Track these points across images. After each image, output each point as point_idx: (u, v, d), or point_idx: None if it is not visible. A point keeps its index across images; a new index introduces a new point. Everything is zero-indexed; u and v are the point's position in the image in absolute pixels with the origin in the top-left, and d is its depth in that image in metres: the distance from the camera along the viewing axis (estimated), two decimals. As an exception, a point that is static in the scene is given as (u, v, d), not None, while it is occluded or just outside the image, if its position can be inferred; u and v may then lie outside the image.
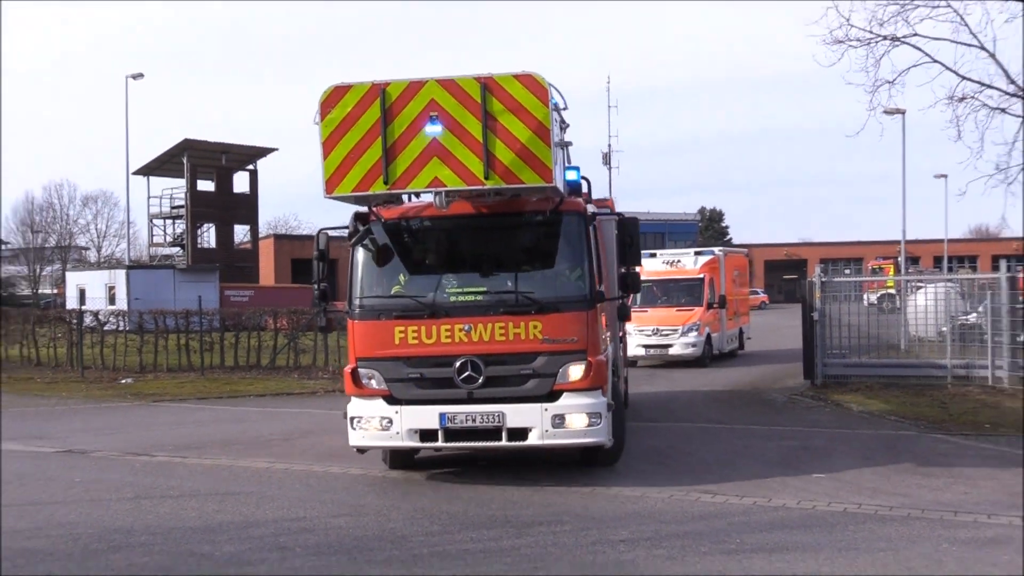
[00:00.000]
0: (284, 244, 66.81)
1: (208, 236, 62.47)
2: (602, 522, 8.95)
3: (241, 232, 64.03)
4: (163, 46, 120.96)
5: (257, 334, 26.45)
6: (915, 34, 19.02)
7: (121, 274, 48.92)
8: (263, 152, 61.69)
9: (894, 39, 19.08)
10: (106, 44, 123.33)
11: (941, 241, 70.72)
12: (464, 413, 10.21)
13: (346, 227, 11.16)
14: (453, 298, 10.63)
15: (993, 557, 7.73)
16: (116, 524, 9.35)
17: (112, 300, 45.27)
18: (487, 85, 9.80)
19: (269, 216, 73.67)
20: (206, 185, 60.98)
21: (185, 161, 58.05)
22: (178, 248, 61.72)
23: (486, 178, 9.77)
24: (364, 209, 11.05)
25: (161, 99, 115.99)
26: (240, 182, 62.63)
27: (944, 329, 19.92)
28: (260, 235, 65.48)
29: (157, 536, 8.84)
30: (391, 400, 10.43)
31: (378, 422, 10.41)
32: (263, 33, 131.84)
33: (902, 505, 9.55)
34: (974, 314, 20.06)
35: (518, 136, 9.74)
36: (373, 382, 10.52)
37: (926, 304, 21.22)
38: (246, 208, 62.91)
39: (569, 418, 10.22)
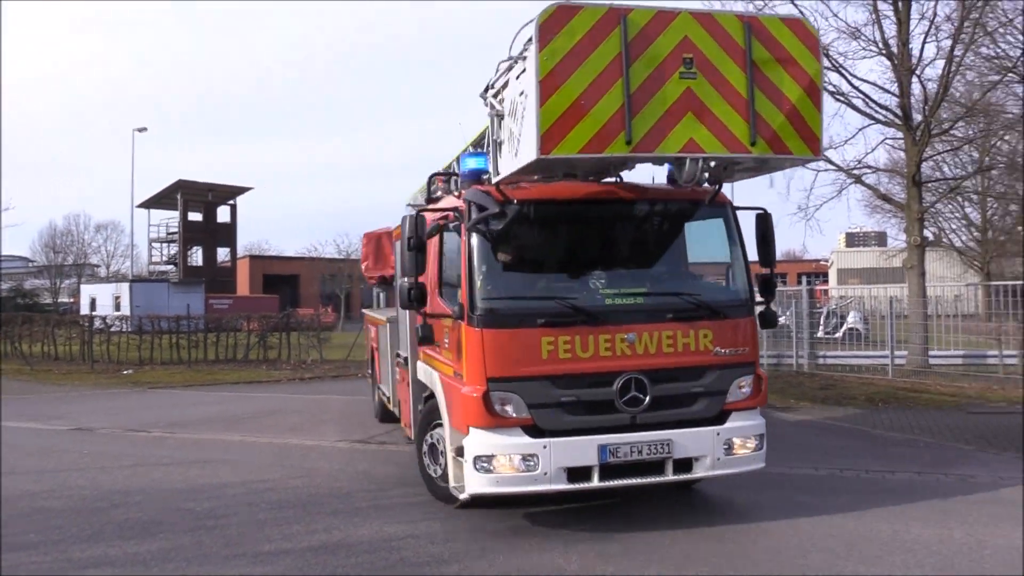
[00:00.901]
0: (257, 263, 65.18)
1: (196, 256, 60.78)
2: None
3: (223, 253, 62.48)
4: (162, 106, 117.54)
5: (234, 334, 25.81)
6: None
7: (125, 286, 47.46)
8: (241, 190, 60.40)
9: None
10: (117, 101, 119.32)
11: (761, 262, 72.39)
12: (628, 444, 6.62)
13: (447, 210, 7.42)
14: (609, 300, 6.88)
15: (794, 497, 7.92)
16: (116, 487, 8.98)
17: (117, 307, 43.79)
18: (752, 26, 6.41)
19: (245, 241, 71.70)
20: (195, 216, 59.48)
21: (179, 197, 56.69)
22: (172, 266, 60.10)
23: (752, 144, 6.37)
24: (477, 187, 7.13)
25: (160, 146, 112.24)
26: (223, 214, 61.27)
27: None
28: (238, 256, 63.97)
29: (149, 496, 8.53)
30: (535, 431, 6.58)
31: (517, 460, 6.50)
32: (240, 97, 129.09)
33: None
34: (783, 317, 20.69)
35: (788, 94, 6.46)
36: (510, 408, 6.54)
37: (749, 310, 21.76)
38: (227, 234, 61.52)
39: (738, 443, 7.00)
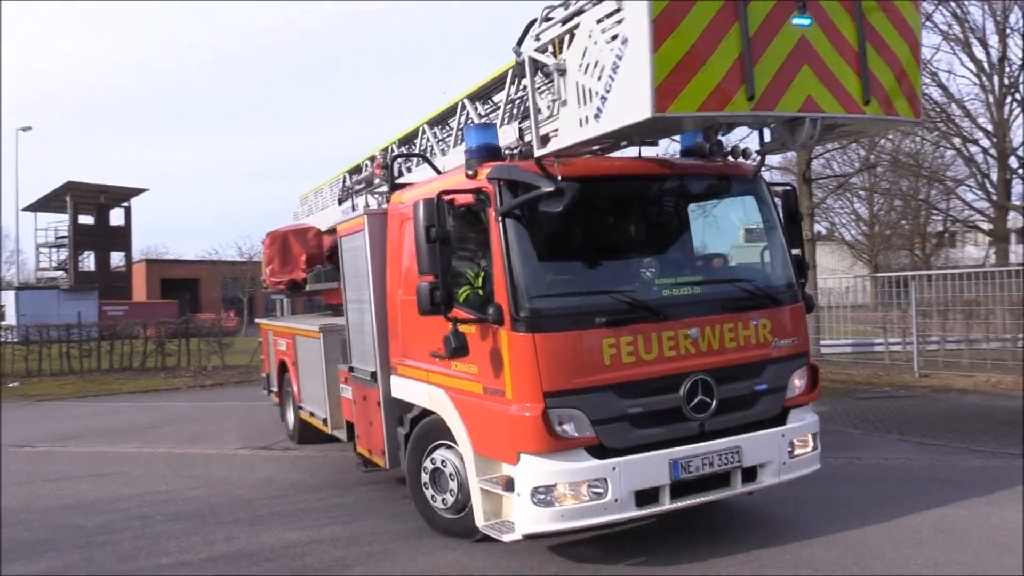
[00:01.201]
0: (154, 267, 63.01)
1: (88, 262, 58.24)
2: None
3: (117, 258, 60.11)
4: (51, 104, 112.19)
5: (130, 342, 24.88)
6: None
7: (11, 295, 45.21)
8: (136, 192, 58.13)
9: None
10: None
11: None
12: (700, 455, 5.86)
13: (466, 191, 6.02)
14: (666, 292, 6.14)
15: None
16: (-1, 506, 8.56)
17: (2, 316, 41.62)
18: None
19: (141, 244, 69.08)
20: (87, 219, 57.03)
21: (68, 200, 54.16)
22: (62, 272, 57.42)
23: (865, 103, 5.47)
24: (499, 162, 6.14)
25: (47, 147, 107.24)
26: (116, 217, 58.95)
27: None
28: (134, 260, 61.70)
29: (36, 514, 8.18)
30: (600, 451, 5.68)
31: (584, 488, 5.58)
32: (133, 95, 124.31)
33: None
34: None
35: (895, 49, 5.61)
36: (570, 427, 5.59)
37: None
38: (121, 238, 59.20)
39: (798, 443, 6.38)
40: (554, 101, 5.82)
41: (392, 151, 9.41)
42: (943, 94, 21.14)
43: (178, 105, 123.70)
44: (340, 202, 11.04)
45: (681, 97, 4.90)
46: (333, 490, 8.64)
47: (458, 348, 5.95)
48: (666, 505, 5.79)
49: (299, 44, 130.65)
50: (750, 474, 6.15)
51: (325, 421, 9.66)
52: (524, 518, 5.66)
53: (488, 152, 6.28)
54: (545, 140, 5.96)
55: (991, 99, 21.27)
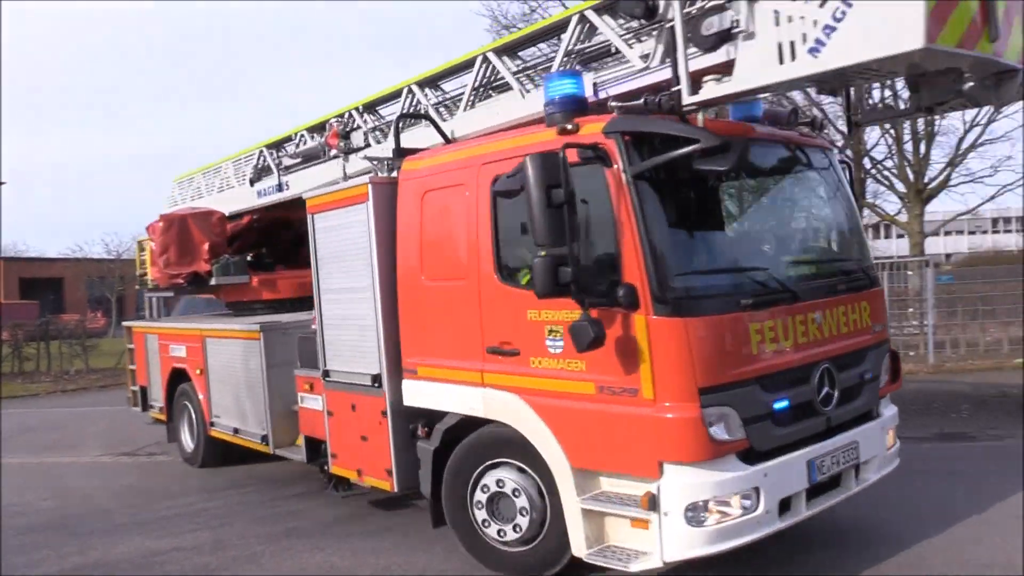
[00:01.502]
0: (12, 265, 59.32)
1: (-64, 260, 54.49)
2: (278, 483, 8.64)
3: (-30, 256, 56.38)
4: None
5: (-18, 346, 23.43)
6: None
7: None
8: (-11, 186, 54.63)
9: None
10: None
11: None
12: (829, 453, 5.22)
13: (584, 146, 4.90)
14: (792, 271, 5.60)
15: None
16: None
17: None
18: None
19: (-3, 242, 64.96)
20: (-67, 215, 53.26)
21: (-89, 194, 50.44)
22: (-95, 272, 53.43)
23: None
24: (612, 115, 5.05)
25: None
26: (-32, 212, 55.22)
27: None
28: (-12, 258, 57.90)
29: None
30: (748, 456, 4.84)
31: (734, 502, 4.71)
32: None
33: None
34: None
35: None
36: (721, 429, 4.69)
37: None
38: (-26, 235, 55.57)
39: (888, 437, 5.89)
40: (682, 38, 4.88)
41: (351, 117, 8.08)
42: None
43: (35, 94, 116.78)
44: (252, 182, 9.74)
45: (947, 29, 4.08)
46: (200, 495, 8.41)
47: (597, 338, 4.76)
48: (802, 513, 5.08)
49: (163, 33, 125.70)
50: (856, 471, 5.57)
51: (264, 439, 8.31)
52: (673, 542, 4.67)
53: (576, 104, 5.26)
54: (695, 85, 4.91)
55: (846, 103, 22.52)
